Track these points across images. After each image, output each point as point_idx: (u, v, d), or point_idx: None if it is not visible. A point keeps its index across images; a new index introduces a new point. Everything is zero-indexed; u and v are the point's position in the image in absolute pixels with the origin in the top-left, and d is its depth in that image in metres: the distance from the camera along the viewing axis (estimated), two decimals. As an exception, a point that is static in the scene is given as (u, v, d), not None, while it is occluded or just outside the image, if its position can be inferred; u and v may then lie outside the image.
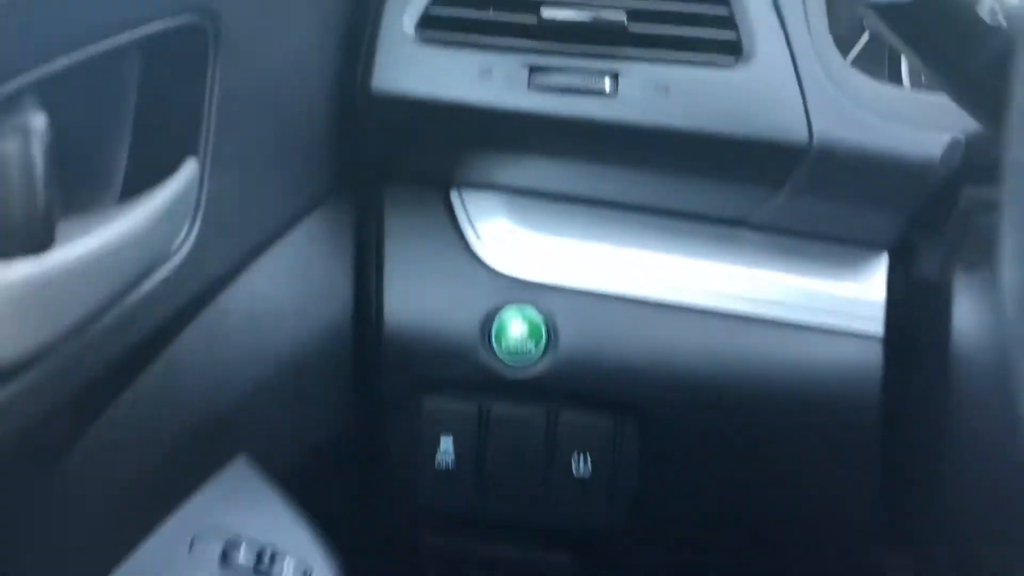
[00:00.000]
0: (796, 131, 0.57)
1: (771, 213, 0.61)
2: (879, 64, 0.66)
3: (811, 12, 0.59)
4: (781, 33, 0.58)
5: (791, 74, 0.57)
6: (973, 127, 0.55)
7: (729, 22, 0.59)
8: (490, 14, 0.59)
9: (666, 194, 0.63)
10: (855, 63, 0.64)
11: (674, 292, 0.62)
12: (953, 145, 0.56)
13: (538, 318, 0.60)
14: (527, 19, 0.58)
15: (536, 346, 0.60)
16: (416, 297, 0.61)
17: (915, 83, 0.65)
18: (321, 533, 0.52)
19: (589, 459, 0.62)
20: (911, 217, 0.59)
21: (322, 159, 0.59)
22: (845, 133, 0.56)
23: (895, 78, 0.66)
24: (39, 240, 0.31)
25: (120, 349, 0.41)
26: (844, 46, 0.62)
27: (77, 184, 0.38)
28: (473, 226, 0.63)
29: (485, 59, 0.59)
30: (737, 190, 0.61)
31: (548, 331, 0.61)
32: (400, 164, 0.63)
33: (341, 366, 0.60)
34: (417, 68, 0.59)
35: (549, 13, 0.58)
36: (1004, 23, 0.45)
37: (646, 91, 0.57)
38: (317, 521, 0.53)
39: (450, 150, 0.62)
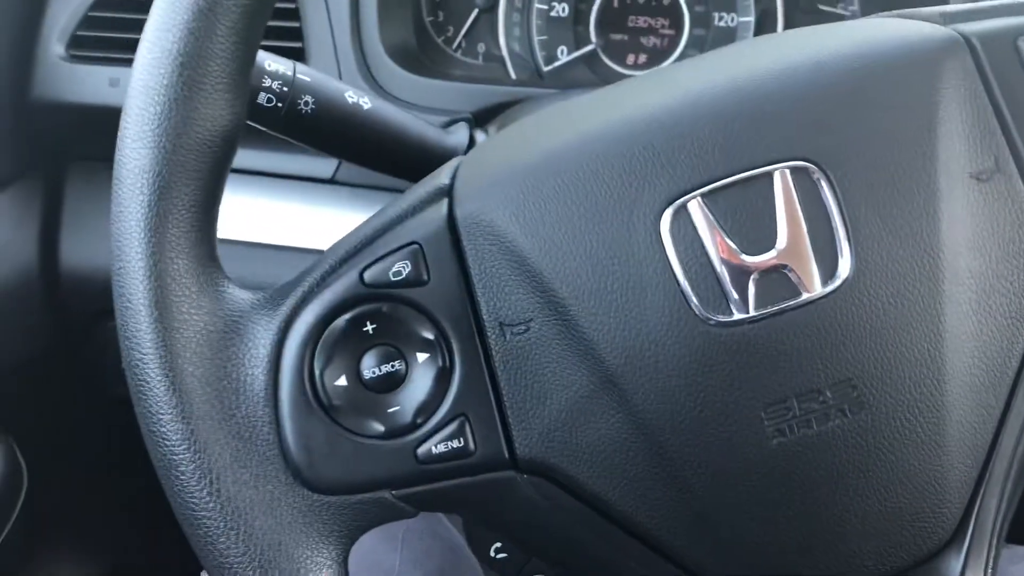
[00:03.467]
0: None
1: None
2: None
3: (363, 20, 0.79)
4: (331, 42, 0.78)
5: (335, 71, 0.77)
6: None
7: (297, 33, 0.79)
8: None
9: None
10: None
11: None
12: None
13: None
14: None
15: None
16: (89, 247, 0.83)
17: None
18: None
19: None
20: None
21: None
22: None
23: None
24: None
25: None
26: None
27: None
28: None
29: (113, 72, 0.79)
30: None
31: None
32: (72, 148, 0.84)
33: (33, 303, 0.83)
34: (64, 81, 0.79)
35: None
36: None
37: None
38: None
39: (105, 135, 0.82)
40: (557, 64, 0.86)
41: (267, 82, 0.52)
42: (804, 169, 0.40)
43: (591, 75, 0.86)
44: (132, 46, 0.79)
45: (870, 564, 0.41)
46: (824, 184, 0.40)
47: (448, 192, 0.43)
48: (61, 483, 0.75)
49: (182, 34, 0.41)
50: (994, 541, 0.42)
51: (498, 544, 0.48)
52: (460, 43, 0.88)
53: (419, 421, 0.42)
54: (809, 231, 0.39)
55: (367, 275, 0.42)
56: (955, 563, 0.42)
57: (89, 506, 0.87)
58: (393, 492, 0.43)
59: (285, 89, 0.52)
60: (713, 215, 0.40)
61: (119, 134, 0.42)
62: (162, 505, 0.60)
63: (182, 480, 0.41)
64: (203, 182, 0.42)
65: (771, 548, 0.41)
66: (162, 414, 0.40)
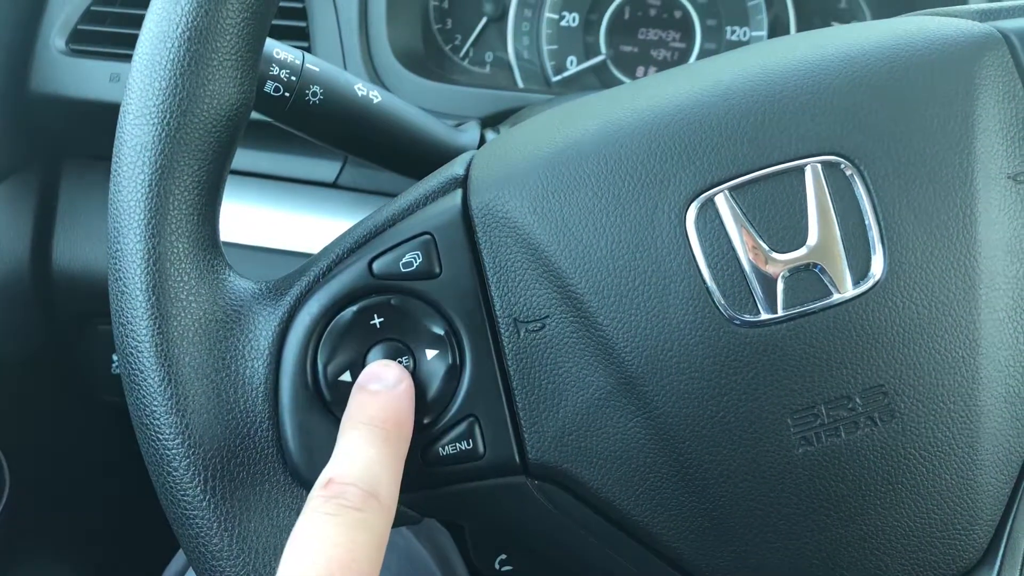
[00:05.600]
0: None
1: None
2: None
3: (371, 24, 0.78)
4: (338, 43, 0.76)
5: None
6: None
7: (304, 32, 0.77)
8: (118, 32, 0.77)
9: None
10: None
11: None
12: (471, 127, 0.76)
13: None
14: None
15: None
16: (83, 246, 0.81)
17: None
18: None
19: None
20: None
21: (-7, 148, 0.78)
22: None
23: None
24: None
25: None
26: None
27: None
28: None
29: (114, 67, 0.77)
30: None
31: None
32: (70, 144, 0.82)
33: (23, 302, 0.81)
34: (64, 75, 0.77)
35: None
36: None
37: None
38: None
39: (103, 132, 0.81)
40: (566, 74, 0.85)
41: (275, 70, 0.50)
42: (836, 164, 0.38)
43: (600, 86, 0.85)
44: (134, 41, 0.78)
45: None
46: (857, 180, 0.38)
47: (463, 182, 0.41)
48: (45, 486, 0.73)
49: (191, 7, 0.39)
50: None
51: (503, 556, 0.45)
52: (468, 51, 0.87)
53: (426, 421, 0.40)
54: (841, 228, 0.38)
55: (376, 265, 0.40)
56: None
57: (73, 510, 0.84)
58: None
59: (293, 78, 0.51)
60: (741, 210, 0.38)
61: (121, 110, 0.40)
62: (147, 512, 0.57)
63: (174, 476, 0.38)
64: (208, 163, 0.40)
65: (793, 563, 0.39)
66: (155, 406, 0.38)
